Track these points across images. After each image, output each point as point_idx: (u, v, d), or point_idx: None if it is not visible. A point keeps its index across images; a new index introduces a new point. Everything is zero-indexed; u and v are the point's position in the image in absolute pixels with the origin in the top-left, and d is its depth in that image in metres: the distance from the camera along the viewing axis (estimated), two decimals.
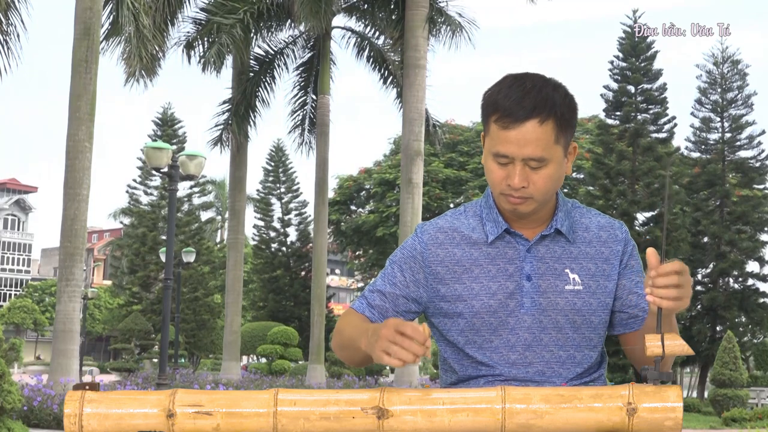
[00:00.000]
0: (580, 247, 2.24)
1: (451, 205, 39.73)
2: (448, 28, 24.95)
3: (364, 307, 2.25)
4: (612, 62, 31.21)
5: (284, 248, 51.24)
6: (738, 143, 32.81)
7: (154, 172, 19.54)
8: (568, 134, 2.15)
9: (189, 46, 26.97)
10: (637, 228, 29.71)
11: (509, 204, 2.15)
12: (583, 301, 2.21)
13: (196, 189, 51.39)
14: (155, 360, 39.18)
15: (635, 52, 30.82)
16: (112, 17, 20.83)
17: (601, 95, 30.99)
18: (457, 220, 2.28)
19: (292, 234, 51.77)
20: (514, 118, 2.07)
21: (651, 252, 1.89)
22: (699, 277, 32.70)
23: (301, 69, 30.57)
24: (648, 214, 30.46)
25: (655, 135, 30.68)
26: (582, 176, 33.15)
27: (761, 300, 31.98)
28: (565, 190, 36.67)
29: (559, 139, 2.11)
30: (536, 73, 2.18)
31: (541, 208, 2.20)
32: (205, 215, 55.73)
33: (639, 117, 30.63)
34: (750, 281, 32.37)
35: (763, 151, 32.99)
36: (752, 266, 32.58)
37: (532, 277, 2.19)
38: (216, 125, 28.93)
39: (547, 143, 2.09)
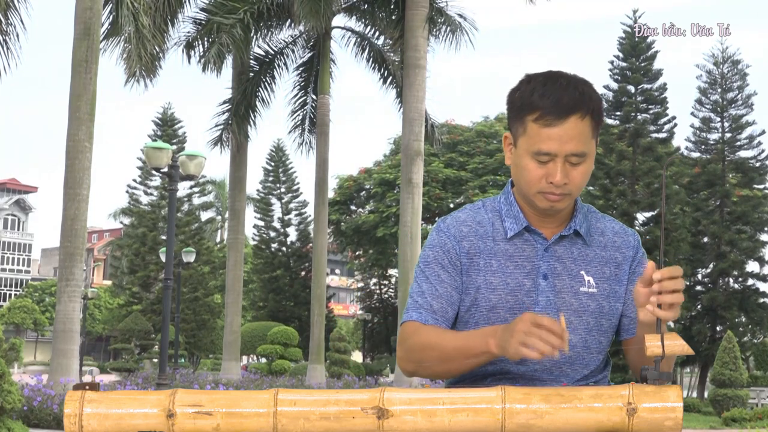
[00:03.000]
0: (595, 251, 2.26)
1: (451, 205, 39.73)
2: (448, 28, 24.95)
3: (427, 316, 2.20)
4: (612, 62, 31.27)
5: (284, 248, 51.25)
6: (738, 143, 32.82)
7: (154, 172, 19.52)
8: (599, 129, 2.19)
9: (189, 46, 26.97)
10: (637, 228, 29.72)
11: (547, 201, 2.16)
12: (597, 303, 2.23)
13: (196, 189, 51.40)
14: (155, 360, 39.17)
15: (635, 52, 30.85)
16: (111, 17, 20.83)
17: (601, 95, 30.88)
18: (477, 214, 2.28)
19: (292, 234, 51.81)
20: (556, 116, 2.09)
21: (651, 265, 1.93)
22: (699, 277, 32.72)
23: (301, 69, 30.56)
24: (648, 214, 30.49)
25: (655, 135, 30.72)
26: None
27: (761, 300, 31.99)
28: None
29: (594, 134, 2.16)
30: (559, 70, 2.20)
31: (567, 207, 2.22)
32: (205, 215, 55.75)
33: (639, 117, 30.66)
34: (750, 281, 32.39)
35: (763, 151, 33.02)
36: (752, 266, 32.63)
37: (548, 276, 2.21)
38: (216, 125, 28.95)
39: (586, 138, 2.13)
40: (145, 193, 50.45)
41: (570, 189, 2.14)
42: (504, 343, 1.96)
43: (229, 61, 28.15)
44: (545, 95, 2.11)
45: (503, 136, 2.25)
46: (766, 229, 32.56)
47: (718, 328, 31.55)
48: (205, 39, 26.74)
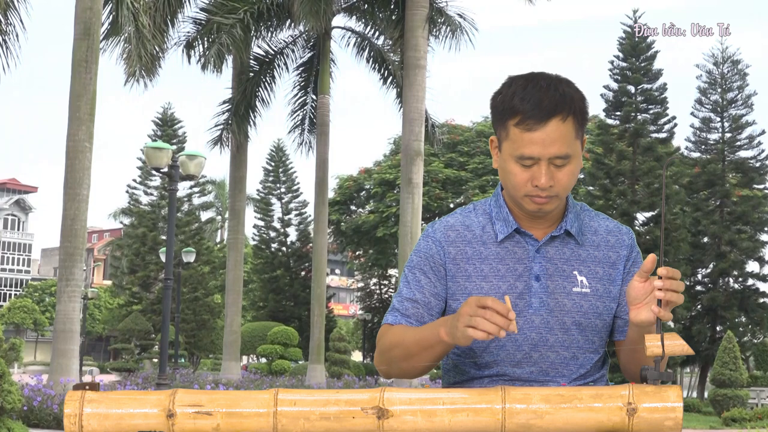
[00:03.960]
0: (588, 250, 2.25)
1: (451, 206, 39.73)
2: (448, 28, 24.96)
3: (400, 319, 2.22)
4: (612, 62, 31.25)
5: (284, 248, 51.23)
6: (738, 143, 32.82)
7: (154, 172, 19.53)
8: (584, 128, 2.17)
9: (189, 46, 26.98)
10: (637, 228, 29.70)
11: (534, 204, 2.15)
12: (590, 303, 2.22)
13: (196, 189, 51.37)
14: (155, 360, 39.17)
15: (635, 52, 30.84)
16: (111, 17, 20.83)
17: (601, 95, 31.03)
18: (466, 218, 2.27)
19: (292, 234, 51.78)
20: (537, 119, 2.07)
21: (652, 258, 1.92)
22: (699, 277, 32.71)
23: (301, 69, 30.57)
24: (648, 214, 30.47)
25: (655, 135, 30.70)
26: (582, 176, 33.16)
27: (761, 300, 31.98)
28: None
29: (578, 134, 2.14)
30: (541, 71, 2.18)
31: (558, 207, 2.21)
32: (205, 215, 55.73)
33: (639, 117, 30.65)
34: (750, 281, 32.38)
35: (763, 151, 33.02)
36: (752, 266, 32.63)
37: (540, 277, 2.20)
38: (216, 125, 28.96)
39: (569, 140, 2.10)
40: (145, 193, 50.44)
41: (556, 191, 2.12)
42: (452, 329, 1.96)
43: (229, 61, 28.18)
44: (525, 99, 2.09)
45: (490, 139, 2.24)
46: (766, 229, 32.55)
47: (718, 328, 31.54)
48: (205, 39, 26.76)
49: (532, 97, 2.08)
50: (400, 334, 2.17)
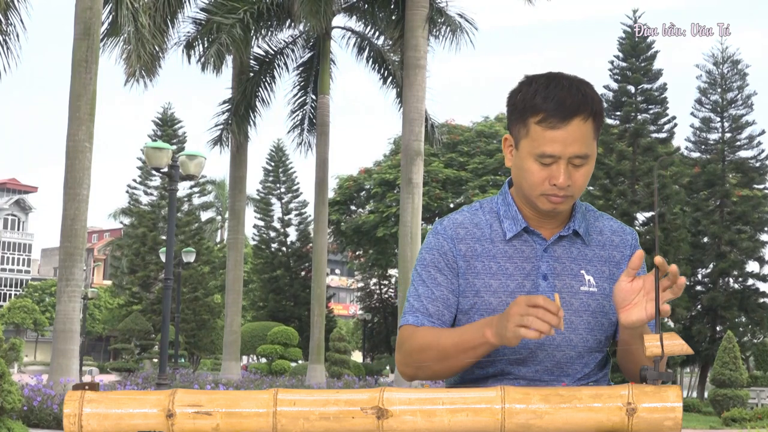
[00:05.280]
0: (594, 250, 2.25)
1: (452, 206, 39.72)
2: (448, 28, 24.95)
3: (423, 319, 2.20)
4: (612, 62, 31.26)
5: (284, 248, 51.25)
6: (738, 143, 32.83)
7: (154, 172, 19.52)
8: (600, 129, 2.19)
9: (189, 46, 26.97)
10: (637, 228, 29.70)
11: (550, 204, 2.15)
12: (597, 303, 2.22)
13: (196, 189, 51.38)
14: (155, 360, 39.17)
15: (635, 52, 30.85)
16: (111, 17, 20.83)
17: (601, 95, 30.95)
18: (474, 215, 2.27)
19: (292, 234, 51.80)
20: (560, 118, 2.08)
21: (639, 255, 1.94)
22: (699, 277, 32.70)
23: (301, 69, 30.57)
24: (648, 214, 30.46)
25: (655, 135, 30.71)
26: None
27: (761, 300, 31.97)
28: None
29: (596, 136, 2.16)
30: (560, 72, 2.19)
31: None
32: (205, 215, 55.72)
33: (639, 117, 30.65)
34: (750, 281, 32.38)
35: (763, 151, 33.02)
36: (752, 266, 32.62)
37: (548, 276, 2.20)
38: (216, 125, 28.95)
39: (589, 140, 2.12)
40: (145, 193, 50.46)
41: (573, 191, 2.13)
42: (501, 329, 1.96)
43: (229, 61, 28.17)
44: (548, 97, 2.09)
45: (503, 137, 2.23)
46: (766, 229, 32.55)
47: (718, 328, 31.54)
48: (205, 39, 26.74)
49: (555, 96, 2.09)
50: (432, 335, 2.15)
